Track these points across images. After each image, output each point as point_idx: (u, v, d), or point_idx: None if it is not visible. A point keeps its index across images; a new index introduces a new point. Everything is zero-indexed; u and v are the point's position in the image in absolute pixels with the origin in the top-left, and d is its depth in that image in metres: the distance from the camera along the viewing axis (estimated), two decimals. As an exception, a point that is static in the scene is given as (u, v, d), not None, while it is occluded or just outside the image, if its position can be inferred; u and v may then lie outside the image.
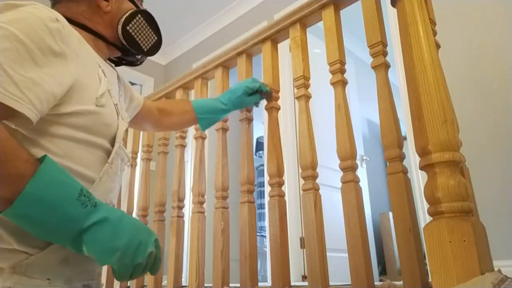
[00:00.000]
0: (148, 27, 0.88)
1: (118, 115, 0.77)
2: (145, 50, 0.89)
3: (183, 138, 1.64)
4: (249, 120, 1.35)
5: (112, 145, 0.74)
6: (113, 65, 0.92)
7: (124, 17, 0.84)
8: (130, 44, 0.85)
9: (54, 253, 0.64)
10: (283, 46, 2.78)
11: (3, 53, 0.56)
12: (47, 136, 0.63)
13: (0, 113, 0.55)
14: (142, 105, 1.07)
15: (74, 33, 0.70)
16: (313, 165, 1.10)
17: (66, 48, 0.65)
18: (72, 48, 0.67)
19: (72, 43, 0.68)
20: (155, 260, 0.65)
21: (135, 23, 0.85)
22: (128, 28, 0.84)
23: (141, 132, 1.85)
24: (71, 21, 0.76)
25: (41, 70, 0.59)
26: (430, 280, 0.74)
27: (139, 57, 0.93)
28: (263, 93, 1.27)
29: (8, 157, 0.54)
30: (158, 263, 0.66)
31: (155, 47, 0.91)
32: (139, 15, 0.86)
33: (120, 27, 0.83)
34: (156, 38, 0.91)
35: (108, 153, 0.73)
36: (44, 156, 0.58)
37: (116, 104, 0.78)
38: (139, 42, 0.87)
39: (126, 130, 0.89)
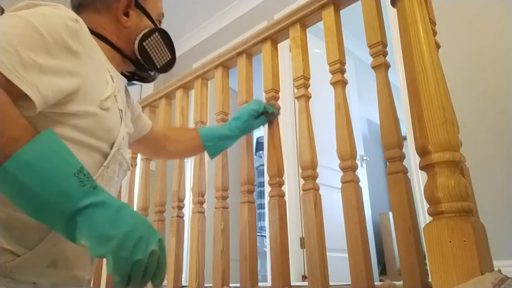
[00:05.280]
0: (164, 45, 0.90)
1: (121, 121, 0.77)
2: (159, 67, 0.91)
3: (183, 138, 1.64)
4: (249, 120, 1.35)
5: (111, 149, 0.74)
6: (125, 79, 0.93)
7: (142, 33, 0.86)
8: (144, 60, 0.87)
9: (42, 255, 0.63)
10: (283, 46, 2.79)
11: (18, 36, 0.56)
12: None
13: (5, 89, 0.54)
14: (149, 127, 1.07)
15: (90, 37, 0.72)
16: (313, 165, 1.10)
17: (81, 48, 0.66)
18: (87, 50, 0.68)
19: (88, 45, 0.69)
20: (159, 265, 0.58)
21: (151, 40, 0.87)
22: (144, 44, 0.86)
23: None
24: (91, 31, 0.77)
25: (53, 61, 0.60)
26: (430, 280, 0.74)
27: (152, 73, 0.94)
28: (269, 114, 1.23)
29: (4, 117, 0.51)
30: (162, 267, 0.59)
31: (168, 65, 0.93)
32: (157, 33, 0.88)
33: (137, 42, 0.85)
34: (170, 57, 0.93)
35: (106, 157, 0.73)
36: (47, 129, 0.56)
37: (121, 110, 0.78)
38: (154, 58, 0.88)
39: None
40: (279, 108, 1.27)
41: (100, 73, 0.73)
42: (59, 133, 0.63)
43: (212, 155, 1.21)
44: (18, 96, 0.55)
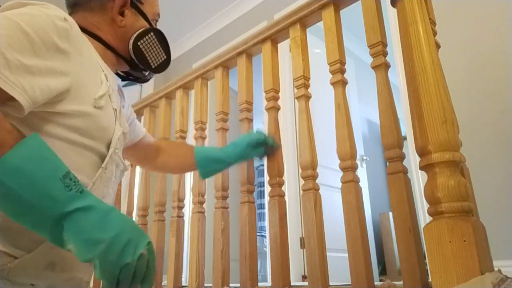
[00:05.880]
0: (159, 45, 0.90)
1: (116, 120, 0.77)
2: (153, 67, 0.90)
3: (183, 138, 1.64)
4: (249, 120, 1.35)
5: (108, 150, 0.73)
6: (119, 79, 0.93)
7: (137, 33, 0.85)
8: (139, 60, 0.87)
9: (40, 257, 0.62)
10: (283, 46, 2.78)
11: (4, 38, 0.56)
12: (42, 135, 0.62)
13: None
14: (143, 135, 1.06)
15: (81, 36, 0.71)
16: (313, 165, 1.10)
17: (71, 47, 0.65)
18: (78, 49, 0.67)
19: (78, 44, 0.68)
20: (148, 268, 0.56)
21: (146, 40, 0.87)
22: (139, 43, 0.85)
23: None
24: (84, 30, 0.77)
25: (40, 61, 0.59)
26: (430, 280, 0.74)
27: (146, 73, 0.94)
28: (268, 147, 1.18)
29: None
30: (151, 271, 0.57)
31: (163, 66, 0.93)
32: (152, 33, 0.88)
33: (131, 41, 0.85)
34: (165, 57, 0.93)
35: (103, 158, 0.72)
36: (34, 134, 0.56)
37: (116, 109, 0.78)
38: (148, 58, 0.88)
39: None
40: (278, 143, 1.22)
41: (93, 72, 0.72)
42: (53, 132, 0.63)
43: (204, 176, 1.15)
44: (6, 98, 0.55)
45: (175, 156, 1.15)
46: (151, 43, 0.88)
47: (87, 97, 0.68)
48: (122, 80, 0.95)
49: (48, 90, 0.60)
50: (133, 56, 0.86)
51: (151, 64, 0.89)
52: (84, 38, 0.73)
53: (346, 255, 0.95)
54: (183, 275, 1.53)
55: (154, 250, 0.59)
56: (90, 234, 0.52)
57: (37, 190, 0.52)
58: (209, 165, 1.13)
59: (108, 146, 0.73)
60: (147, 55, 0.88)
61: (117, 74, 0.92)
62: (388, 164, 0.95)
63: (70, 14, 0.82)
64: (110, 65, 0.84)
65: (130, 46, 0.85)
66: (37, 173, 0.52)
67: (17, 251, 0.61)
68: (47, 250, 0.63)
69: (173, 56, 4.31)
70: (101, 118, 0.70)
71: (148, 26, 0.88)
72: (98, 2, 0.81)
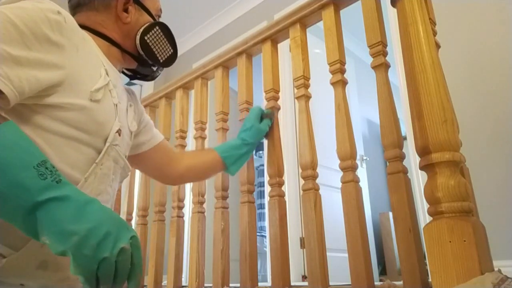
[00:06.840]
0: (165, 39, 0.90)
1: (116, 115, 0.75)
2: (161, 61, 0.90)
3: (183, 138, 1.64)
4: (249, 120, 1.35)
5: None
6: (125, 77, 0.93)
7: (143, 28, 0.86)
8: (147, 54, 0.87)
9: (31, 256, 0.60)
10: (283, 46, 2.78)
11: None
12: (34, 128, 0.61)
13: None
14: (161, 140, 1.03)
15: (78, 30, 0.70)
16: (313, 165, 1.10)
17: (65, 40, 0.64)
18: (73, 42, 0.66)
19: (74, 37, 0.67)
20: (133, 265, 0.52)
21: (152, 34, 0.87)
22: (146, 38, 0.86)
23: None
24: (89, 29, 0.78)
25: (29, 53, 0.59)
26: (430, 280, 0.74)
27: (154, 69, 0.94)
28: (269, 115, 1.25)
29: None
30: (136, 268, 0.52)
31: (171, 59, 0.93)
32: (157, 27, 0.88)
33: (138, 37, 0.85)
34: (172, 50, 0.93)
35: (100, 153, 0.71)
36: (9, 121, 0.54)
37: (116, 105, 0.76)
38: (156, 52, 0.88)
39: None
40: (276, 110, 1.29)
41: (91, 66, 0.71)
42: (47, 126, 0.62)
43: (232, 167, 1.16)
44: None
45: (199, 158, 1.15)
46: (157, 37, 0.88)
47: (82, 91, 0.67)
48: (130, 78, 0.94)
49: (36, 82, 0.59)
50: (141, 52, 0.86)
51: (159, 58, 0.89)
52: (82, 33, 0.72)
53: (346, 255, 0.95)
54: (183, 275, 1.53)
55: (140, 245, 0.54)
56: (63, 226, 0.49)
57: (8, 178, 0.50)
58: (232, 153, 1.15)
59: (105, 141, 0.72)
60: (154, 49, 0.88)
61: (125, 73, 0.91)
62: (388, 164, 0.95)
63: (73, 15, 0.82)
64: (116, 62, 0.83)
65: (137, 41, 0.85)
66: (8, 161, 0.50)
67: (5, 249, 0.59)
68: (37, 249, 0.61)
69: (173, 56, 4.31)
70: (97, 112, 0.69)
71: (152, 20, 0.88)
72: (101, 1, 0.82)
